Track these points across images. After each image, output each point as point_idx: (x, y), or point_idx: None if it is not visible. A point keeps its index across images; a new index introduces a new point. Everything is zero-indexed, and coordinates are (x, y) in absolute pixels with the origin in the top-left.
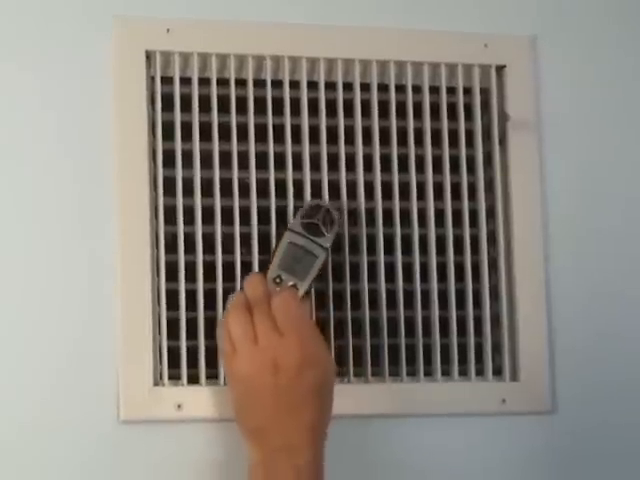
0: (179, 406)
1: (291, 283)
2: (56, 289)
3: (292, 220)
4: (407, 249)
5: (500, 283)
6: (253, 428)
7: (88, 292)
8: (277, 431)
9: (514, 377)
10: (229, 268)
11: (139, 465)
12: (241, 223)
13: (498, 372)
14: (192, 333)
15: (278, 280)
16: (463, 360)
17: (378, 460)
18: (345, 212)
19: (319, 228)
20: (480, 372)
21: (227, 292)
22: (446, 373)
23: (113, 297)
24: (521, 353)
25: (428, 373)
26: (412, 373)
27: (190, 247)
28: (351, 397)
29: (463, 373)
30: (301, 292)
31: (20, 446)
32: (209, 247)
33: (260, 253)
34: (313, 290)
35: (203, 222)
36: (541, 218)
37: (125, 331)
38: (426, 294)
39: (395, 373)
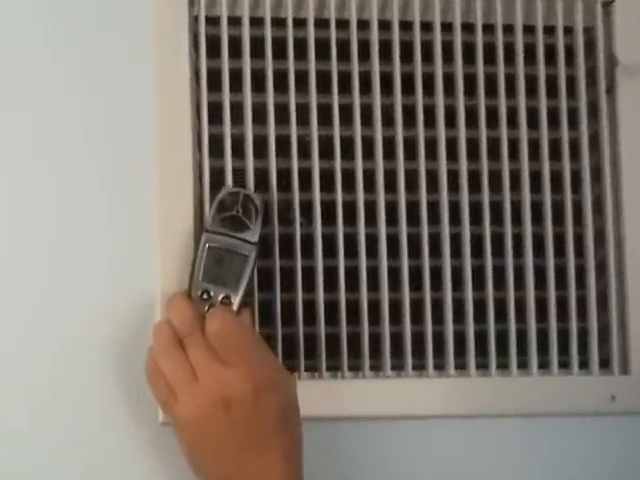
0: None
1: (222, 296)
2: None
3: (206, 219)
4: (496, 218)
5: (607, 259)
6: (218, 479)
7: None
8: (247, 474)
9: (624, 370)
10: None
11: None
12: (301, 189)
13: (605, 364)
14: None
15: (205, 296)
16: (564, 350)
17: (464, 463)
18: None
19: (241, 220)
20: (584, 364)
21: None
22: (543, 365)
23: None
24: (632, 341)
25: (522, 365)
26: (503, 365)
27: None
28: (429, 394)
29: (564, 365)
30: (236, 304)
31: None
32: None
33: (323, 222)
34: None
35: (255, 189)
36: None
37: None
38: (519, 270)
39: (483, 365)
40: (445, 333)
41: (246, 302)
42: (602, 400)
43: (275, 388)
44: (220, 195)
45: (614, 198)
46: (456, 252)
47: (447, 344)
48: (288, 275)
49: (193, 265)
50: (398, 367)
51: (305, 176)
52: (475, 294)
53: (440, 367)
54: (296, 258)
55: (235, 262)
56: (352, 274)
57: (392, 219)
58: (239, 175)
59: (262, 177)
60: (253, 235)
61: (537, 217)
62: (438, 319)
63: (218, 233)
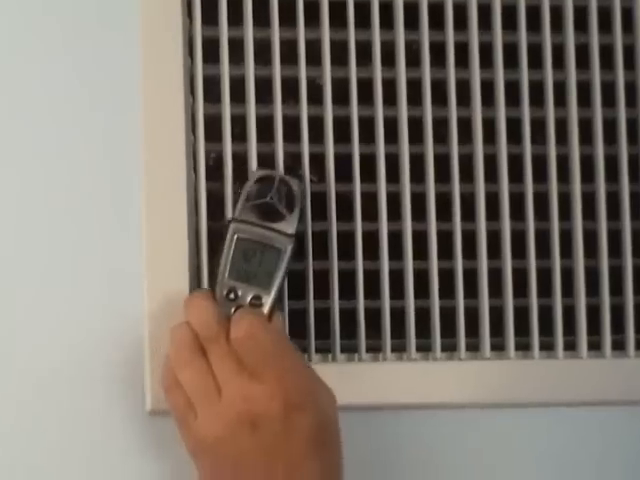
0: None
1: (251, 296)
2: None
3: (237, 206)
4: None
5: None
6: None
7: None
8: None
9: None
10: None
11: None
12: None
13: None
14: None
15: (232, 296)
16: (618, 328)
17: (521, 452)
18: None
19: (275, 209)
20: None
21: None
22: (595, 346)
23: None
24: None
25: (569, 346)
26: (547, 346)
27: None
28: (462, 379)
29: (619, 346)
30: (267, 307)
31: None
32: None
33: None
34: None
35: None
36: None
37: None
38: (566, 236)
39: (523, 346)
40: (480, 308)
41: (277, 304)
42: None
43: (310, 405)
44: (251, 179)
45: None
46: (492, 214)
47: (482, 321)
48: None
49: (218, 260)
50: (424, 348)
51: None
52: (515, 262)
53: (474, 348)
54: (306, 221)
55: (267, 257)
56: (371, 239)
57: (418, 175)
58: (267, 159)
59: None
60: (289, 226)
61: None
62: (471, 292)
63: (248, 223)
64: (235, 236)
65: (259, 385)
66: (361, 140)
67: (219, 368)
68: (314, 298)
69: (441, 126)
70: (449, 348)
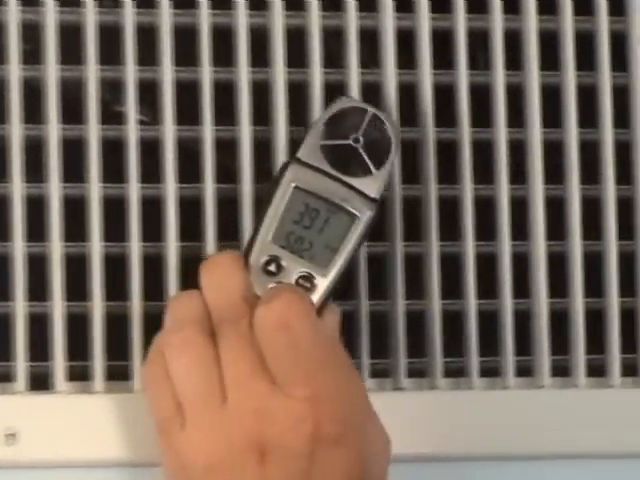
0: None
1: (300, 272)
2: None
3: (302, 144)
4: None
5: None
6: None
7: None
8: None
9: None
10: None
11: None
12: None
13: None
14: None
15: (273, 268)
16: None
17: None
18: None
19: (359, 158)
20: None
21: None
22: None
23: None
24: None
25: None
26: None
27: None
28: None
29: None
30: (320, 294)
31: None
32: None
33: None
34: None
35: None
36: None
37: None
38: None
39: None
40: None
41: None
42: None
43: (349, 442)
44: (330, 110)
45: None
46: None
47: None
48: None
49: (261, 214)
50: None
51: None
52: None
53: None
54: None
55: (334, 223)
56: None
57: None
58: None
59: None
60: (373, 186)
61: None
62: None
63: (315, 169)
64: (292, 185)
65: (282, 399)
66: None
67: (230, 364)
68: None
69: None
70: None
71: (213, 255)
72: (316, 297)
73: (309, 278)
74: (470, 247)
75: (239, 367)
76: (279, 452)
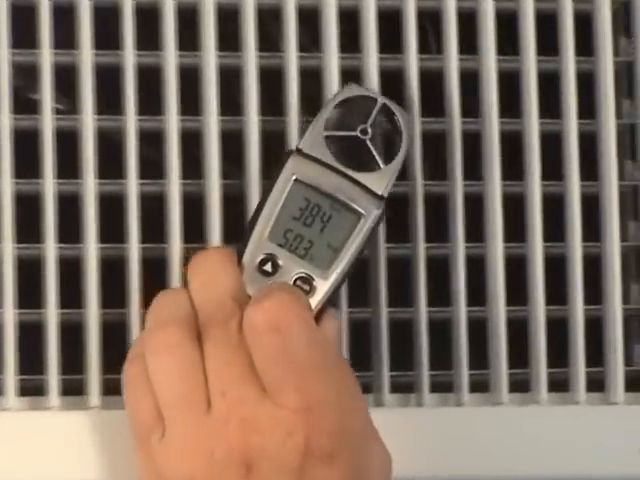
0: None
1: (298, 273)
2: None
3: (305, 134)
4: None
5: None
6: None
7: None
8: None
9: None
10: None
11: None
12: None
13: None
14: None
15: (269, 268)
16: None
17: None
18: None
19: (366, 150)
20: None
21: None
22: None
23: None
24: None
25: None
26: None
27: None
28: None
29: None
30: (319, 298)
31: None
32: None
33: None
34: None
35: None
36: None
37: None
38: None
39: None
40: None
41: (333, 300)
42: None
43: (344, 458)
44: (336, 98)
45: None
46: None
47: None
48: None
49: (258, 209)
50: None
51: None
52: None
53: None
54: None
55: (337, 222)
56: None
57: None
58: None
59: None
60: (381, 182)
61: None
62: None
63: (319, 162)
64: (293, 177)
65: (271, 408)
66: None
67: (216, 368)
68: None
69: None
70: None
71: (203, 250)
72: (315, 301)
73: (308, 280)
74: (421, 249)
75: (225, 372)
76: (266, 466)
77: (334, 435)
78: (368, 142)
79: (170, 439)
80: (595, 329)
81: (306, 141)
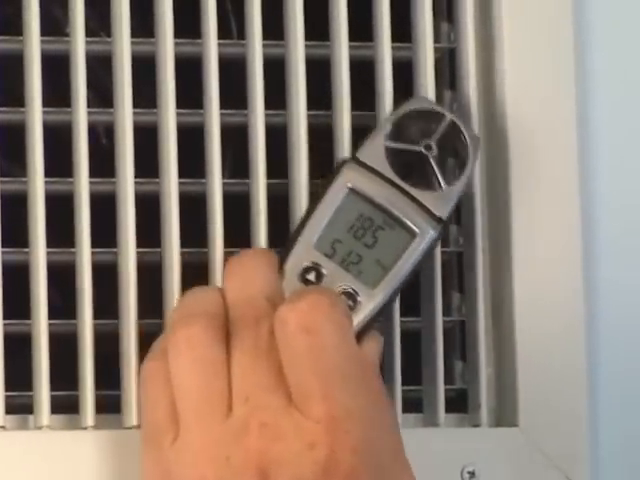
0: None
1: (343, 288)
2: None
3: (364, 143)
4: None
5: None
6: None
7: None
8: None
9: None
10: None
11: None
12: None
13: None
14: None
15: (311, 277)
16: None
17: None
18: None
19: (430, 168)
20: None
21: None
22: None
23: None
24: None
25: None
26: None
27: None
28: None
29: None
30: (363, 315)
31: None
32: None
33: None
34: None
35: None
36: None
37: None
38: None
39: None
40: None
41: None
42: None
43: (366, 477)
44: (402, 109)
45: None
46: None
47: None
48: None
49: (307, 214)
50: None
51: None
52: None
53: None
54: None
55: (390, 239)
56: None
57: None
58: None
59: None
60: (442, 203)
61: None
62: None
63: (376, 173)
64: (347, 185)
65: (294, 417)
66: None
67: (241, 371)
68: None
69: None
70: None
71: (242, 252)
72: (358, 318)
73: (352, 295)
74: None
75: (251, 378)
76: (282, 476)
77: (358, 452)
78: (431, 159)
79: (184, 444)
80: (411, 342)
81: (365, 150)
